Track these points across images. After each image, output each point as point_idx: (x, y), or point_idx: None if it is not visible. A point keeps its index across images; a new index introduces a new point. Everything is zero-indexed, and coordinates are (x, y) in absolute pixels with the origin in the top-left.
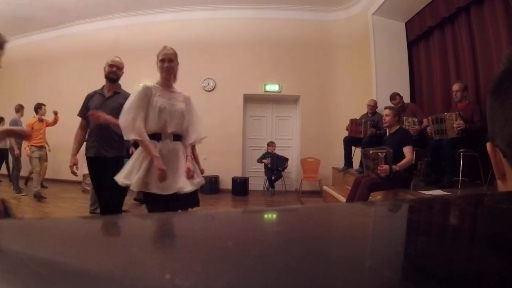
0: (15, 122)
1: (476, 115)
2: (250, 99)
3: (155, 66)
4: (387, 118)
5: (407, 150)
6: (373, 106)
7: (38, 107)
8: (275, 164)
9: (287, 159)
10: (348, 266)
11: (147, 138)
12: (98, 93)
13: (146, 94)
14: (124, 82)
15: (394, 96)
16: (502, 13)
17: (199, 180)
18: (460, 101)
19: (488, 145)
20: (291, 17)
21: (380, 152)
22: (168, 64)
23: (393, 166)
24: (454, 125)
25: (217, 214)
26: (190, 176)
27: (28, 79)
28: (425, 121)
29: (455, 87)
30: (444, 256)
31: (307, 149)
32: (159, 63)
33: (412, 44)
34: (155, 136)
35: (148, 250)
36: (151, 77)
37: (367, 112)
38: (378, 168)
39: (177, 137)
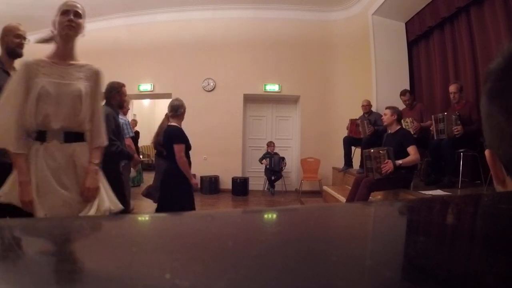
0: None
1: (474, 114)
2: (250, 99)
3: (155, 66)
4: (385, 117)
5: (411, 150)
6: (367, 106)
7: None
8: (272, 165)
9: (283, 158)
10: (348, 266)
11: (21, 150)
12: (4, 70)
13: (25, 76)
14: (125, 82)
15: (404, 92)
16: (502, 13)
17: (106, 205)
18: (457, 102)
19: (487, 153)
20: (291, 17)
21: (381, 150)
22: (75, 20)
23: (397, 161)
24: (454, 131)
25: (217, 214)
26: (87, 198)
27: None
28: (428, 121)
29: (452, 88)
30: (444, 256)
31: (307, 149)
32: (59, 17)
33: (412, 44)
34: (39, 136)
35: (148, 250)
36: (152, 77)
37: (363, 113)
38: (382, 166)
39: (72, 135)
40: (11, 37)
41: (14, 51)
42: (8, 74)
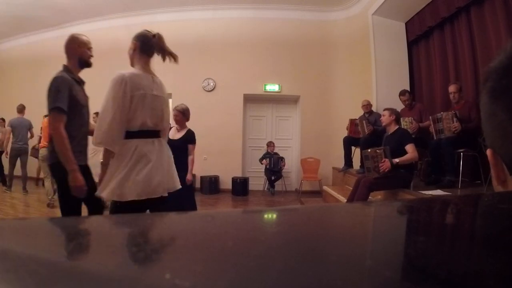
0: (20, 122)
1: (473, 113)
2: (250, 99)
3: (155, 66)
4: (384, 118)
5: (409, 148)
6: (367, 106)
7: None
8: (272, 165)
9: (282, 158)
10: (348, 266)
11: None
12: (75, 79)
13: None
14: None
15: (403, 93)
16: (502, 13)
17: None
18: (457, 102)
19: (489, 152)
20: (291, 17)
21: (378, 149)
22: None
23: (394, 160)
24: (452, 128)
25: (217, 214)
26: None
27: (28, 79)
28: (427, 122)
29: (452, 88)
30: (444, 256)
31: (307, 149)
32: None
33: (412, 44)
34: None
35: (148, 250)
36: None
37: (364, 113)
38: (380, 164)
39: None
40: (85, 49)
41: (87, 62)
42: (78, 83)
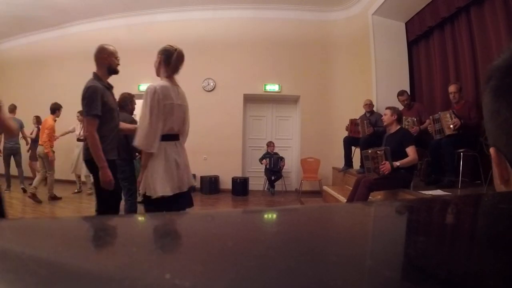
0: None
1: (473, 113)
2: (250, 99)
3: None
4: (385, 117)
5: (410, 150)
6: (369, 105)
7: (57, 108)
8: (272, 165)
9: (281, 158)
10: (348, 266)
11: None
12: (105, 86)
13: None
14: (125, 82)
15: (402, 93)
16: (502, 13)
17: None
18: (457, 102)
19: (492, 151)
20: (291, 17)
21: (379, 151)
22: None
23: (394, 163)
24: (450, 125)
25: (217, 214)
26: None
27: (28, 79)
28: (427, 121)
29: (453, 88)
30: (444, 256)
31: (307, 149)
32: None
33: (412, 44)
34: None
35: (148, 250)
36: (151, 77)
37: (365, 113)
38: (380, 166)
39: None
40: (113, 59)
41: (116, 70)
42: (108, 88)
